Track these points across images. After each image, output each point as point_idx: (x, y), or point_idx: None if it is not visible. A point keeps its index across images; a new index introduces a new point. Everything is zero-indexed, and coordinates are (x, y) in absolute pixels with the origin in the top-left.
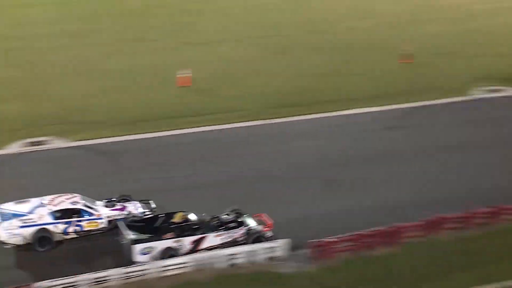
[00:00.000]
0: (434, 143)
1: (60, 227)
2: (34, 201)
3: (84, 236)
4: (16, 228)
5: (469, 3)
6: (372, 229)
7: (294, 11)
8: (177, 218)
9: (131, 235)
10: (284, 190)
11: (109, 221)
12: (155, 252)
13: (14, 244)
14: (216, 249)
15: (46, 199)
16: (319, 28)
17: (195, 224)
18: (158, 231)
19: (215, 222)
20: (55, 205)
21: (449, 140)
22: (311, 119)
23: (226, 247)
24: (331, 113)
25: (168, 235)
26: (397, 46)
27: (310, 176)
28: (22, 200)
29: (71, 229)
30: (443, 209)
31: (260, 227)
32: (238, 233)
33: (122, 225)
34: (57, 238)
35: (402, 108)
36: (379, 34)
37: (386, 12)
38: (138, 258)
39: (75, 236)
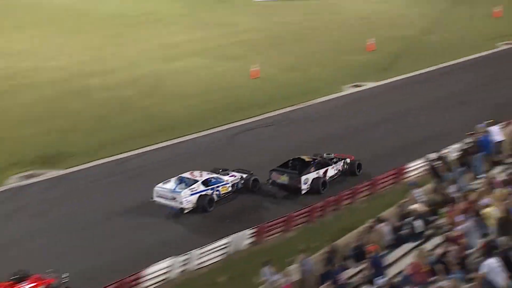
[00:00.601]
0: None
1: (209, 192)
2: (174, 179)
3: (223, 198)
4: (189, 196)
5: None
6: None
7: None
8: (306, 159)
9: (293, 172)
10: None
11: (232, 185)
12: (309, 182)
13: (190, 209)
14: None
15: (185, 175)
16: None
17: (320, 161)
18: (303, 168)
19: (324, 159)
20: (200, 177)
21: None
22: None
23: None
24: None
25: (312, 169)
26: None
27: None
28: (165, 180)
29: (215, 194)
30: None
31: (349, 160)
32: (340, 165)
33: (278, 171)
34: None
35: None
36: None
37: None
38: (303, 187)
39: (217, 199)
